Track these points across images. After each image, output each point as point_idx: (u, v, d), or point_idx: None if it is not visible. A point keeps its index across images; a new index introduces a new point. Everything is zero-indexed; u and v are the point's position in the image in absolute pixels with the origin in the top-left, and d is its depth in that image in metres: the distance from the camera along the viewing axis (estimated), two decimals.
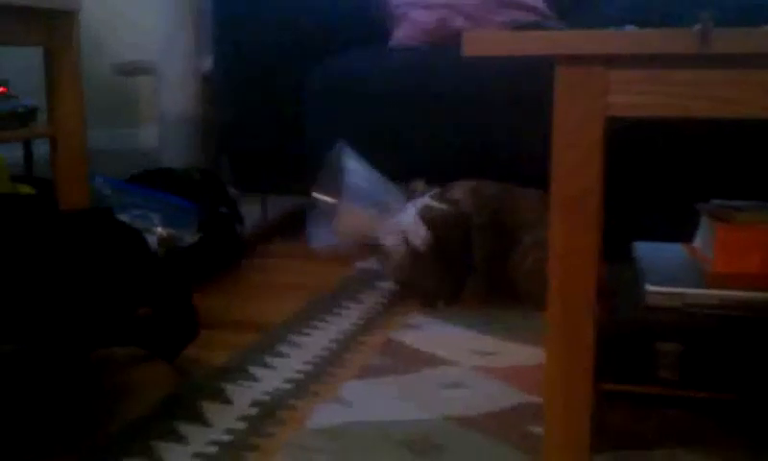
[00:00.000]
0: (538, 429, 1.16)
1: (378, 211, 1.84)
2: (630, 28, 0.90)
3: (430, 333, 1.60)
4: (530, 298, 1.67)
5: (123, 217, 1.81)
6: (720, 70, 0.84)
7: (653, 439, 1.12)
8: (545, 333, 0.96)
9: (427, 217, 1.74)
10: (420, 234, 1.74)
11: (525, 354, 1.47)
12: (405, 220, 1.78)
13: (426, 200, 1.77)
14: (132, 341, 1.45)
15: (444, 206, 1.76)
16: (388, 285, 1.87)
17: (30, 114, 1.94)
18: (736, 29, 0.81)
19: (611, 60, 0.87)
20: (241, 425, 1.19)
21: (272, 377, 1.37)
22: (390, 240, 1.82)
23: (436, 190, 1.82)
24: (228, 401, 1.27)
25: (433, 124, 2.05)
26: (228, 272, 2.07)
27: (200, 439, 1.15)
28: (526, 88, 1.86)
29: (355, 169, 1.90)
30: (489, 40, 0.91)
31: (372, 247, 1.85)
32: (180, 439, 1.15)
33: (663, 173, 1.89)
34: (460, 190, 1.79)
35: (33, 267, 1.20)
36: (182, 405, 1.26)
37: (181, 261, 1.88)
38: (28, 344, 1.15)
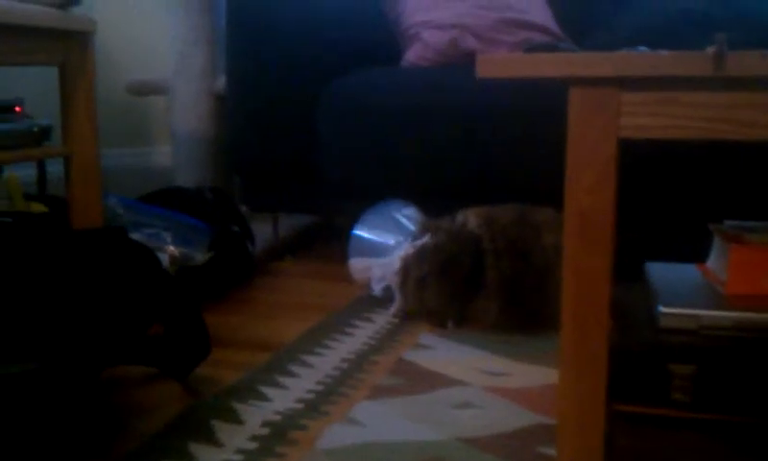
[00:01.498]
0: (549, 450, 1.15)
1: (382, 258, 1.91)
2: (643, 49, 0.90)
3: (441, 354, 1.60)
4: None
5: (135, 236, 1.82)
6: (734, 93, 0.84)
7: None
8: (558, 354, 0.96)
9: (433, 242, 1.74)
10: (393, 275, 1.78)
11: (536, 375, 1.47)
12: (388, 263, 1.82)
13: (419, 242, 1.77)
14: (144, 360, 1.45)
15: (450, 230, 1.76)
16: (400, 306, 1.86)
17: (44, 133, 1.95)
18: (751, 51, 0.81)
19: (624, 82, 0.87)
20: (252, 446, 1.19)
21: (283, 397, 1.37)
22: (377, 286, 1.89)
23: (447, 218, 1.82)
24: (239, 421, 1.27)
25: (447, 142, 2.05)
26: (239, 291, 2.07)
27: (211, 459, 1.14)
28: (538, 106, 1.86)
29: (362, 228, 1.99)
30: (502, 62, 0.92)
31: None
32: (191, 459, 1.15)
33: (677, 193, 1.89)
34: (472, 215, 1.79)
35: (45, 286, 1.20)
36: (194, 425, 1.26)
37: (193, 280, 1.88)
38: (39, 363, 1.15)
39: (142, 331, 1.38)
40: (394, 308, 1.83)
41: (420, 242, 1.76)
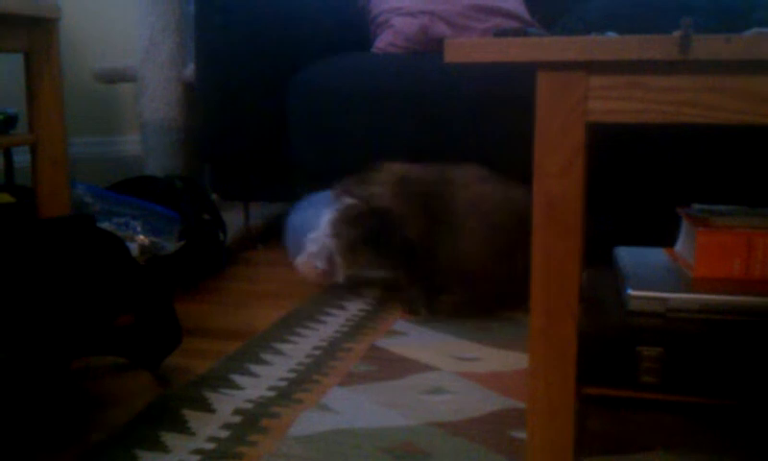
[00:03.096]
0: (520, 434, 1.16)
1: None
2: (611, 34, 0.90)
3: (413, 340, 1.60)
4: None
5: (105, 225, 1.80)
6: (700, 76, 0.85)
7: (635, 442, 1.13)
8: (528, 338, 0.96)
9: (353, 205, 1.75)
10: (329, 239, 1.77)
11: (507, 359, 1.48)
12: (318, 235, 1.82)
13: (335, 209, 1.78)
14: (114, 350, 1.44)
15: (358, 204, 1.77)
16: (372, 293, 1.85)
17: (10, 122, 1.92)
18: (716, 35, 0.81)
19: (591, 66, 0.87)
20: (224, 434, 1.18)
21: (255, 385, 1.36)
22: (320, 261, 1.83)
23: (355, 182, 1.82)
24: (210, 410, 1.27)
25: (416, 129, 2.05)
26: (210, 280, 2.06)
27: (182, 448, 1.14)
28: (507, 92, 1.86)
29: (295, 221, 1.97)
30: (470, 47, 0.92)
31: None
32: (162, 448, 1.14)
33: (645, 178, 1.91)
34: (382, 181, 1.79)
35: (12, 275, 1.19)
36: (165, 414, 1.25)
37: (164, 269, 1.87)
38: (7, 354, 1.14)
39: (111, 321, 1.37)
40: (338, 275, 1.81)
41: (342, 206, 1.76)
